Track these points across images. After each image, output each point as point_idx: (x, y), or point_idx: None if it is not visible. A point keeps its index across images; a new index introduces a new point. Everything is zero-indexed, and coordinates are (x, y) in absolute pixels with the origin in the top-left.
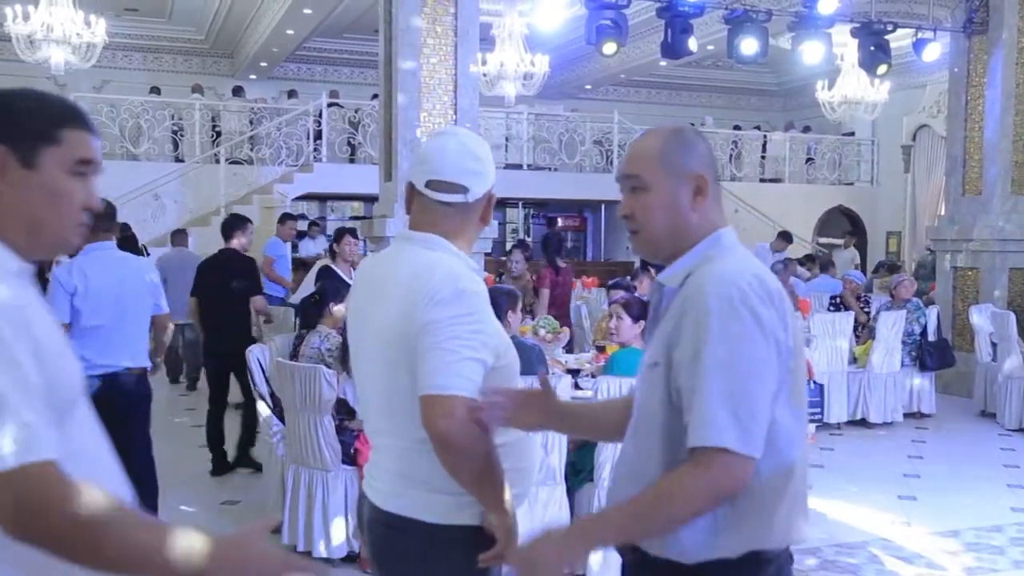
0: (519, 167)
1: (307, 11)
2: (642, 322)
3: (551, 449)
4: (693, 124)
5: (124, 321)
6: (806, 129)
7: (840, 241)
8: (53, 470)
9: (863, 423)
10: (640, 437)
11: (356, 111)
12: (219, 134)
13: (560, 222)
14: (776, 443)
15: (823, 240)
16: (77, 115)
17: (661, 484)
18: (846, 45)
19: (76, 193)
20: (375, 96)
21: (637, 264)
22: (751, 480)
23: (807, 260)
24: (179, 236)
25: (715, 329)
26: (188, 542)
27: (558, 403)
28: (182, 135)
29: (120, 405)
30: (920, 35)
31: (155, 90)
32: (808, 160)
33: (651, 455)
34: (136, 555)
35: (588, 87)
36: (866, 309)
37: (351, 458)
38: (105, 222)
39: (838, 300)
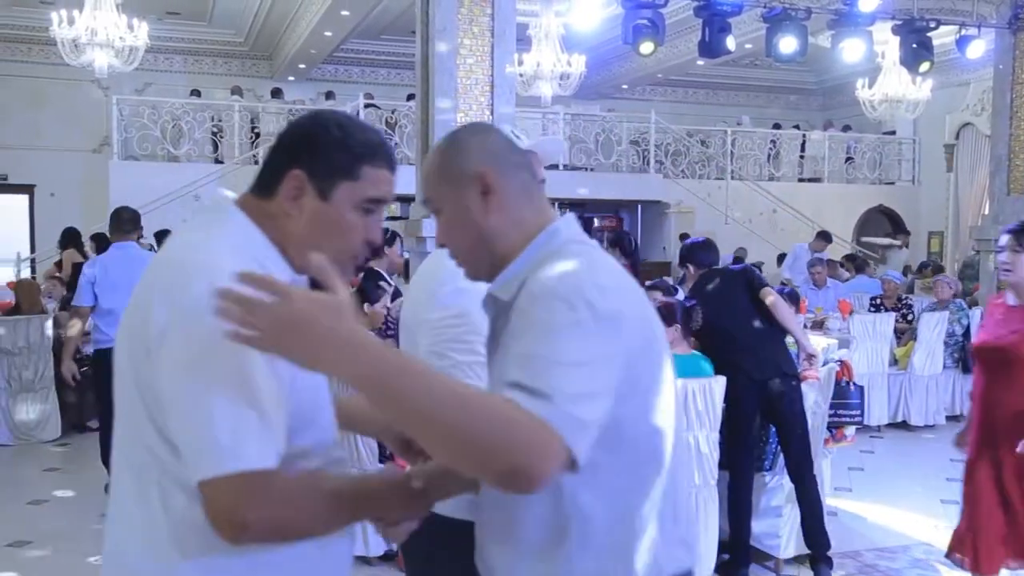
0: (555, 167)
1: (344, 13)
2: (676, 327)
3: None
4: (726, 123)
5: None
6: (846, 128)
7: (898, 242)
8: (262, 479)
9: (904, 425)
10: None
11: (393, 112)
12: (258, 135)
13: (596, 222)
14: (613, 480)
15: (882, 241)
16: (379, 151)
17: (493, 398)
18: (887, 43)
19: (358, 229)
20: (410, 97)
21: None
22: (589, 525)
23: (847, 260)
24: None
25: (537, 321)
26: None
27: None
28: (222, 136)
29: None
30: (964, 32)
31: (195, 93)
32: (848, 159)
33: None
34: (342, 521)
35: (624, 87)
36: (908, 316)
37: (388, 456)
38: (127, 225)
39: (879, 301)
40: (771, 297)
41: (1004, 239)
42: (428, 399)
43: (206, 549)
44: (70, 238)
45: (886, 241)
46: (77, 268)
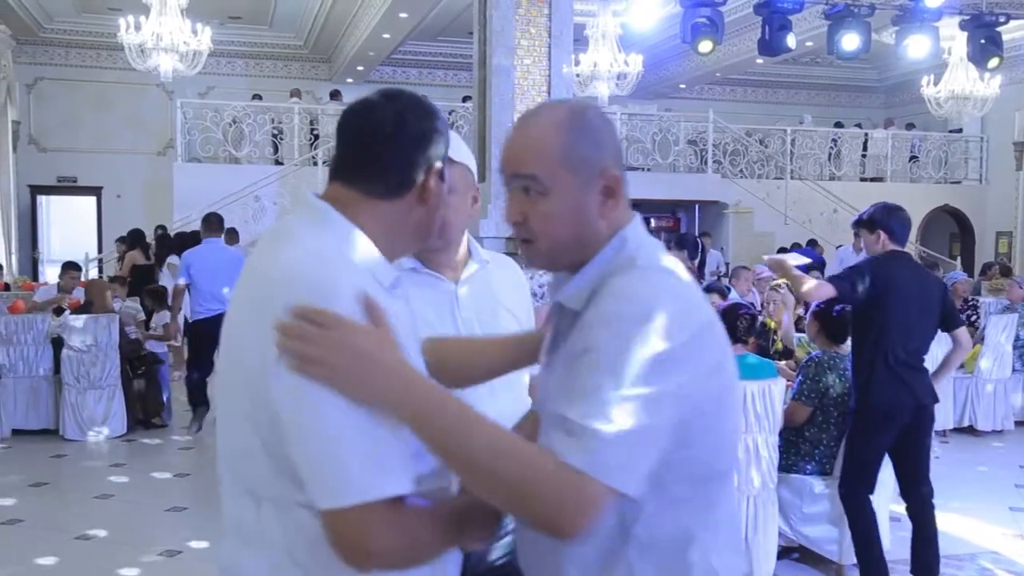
0: None
1: (403, 15)
2: None
3: None
4: (786, 122)
5: (218, 284)
6: (910, 126)
7: None
8: (389, 509)
9: (971, 431)
10: None
11: (450, 113)
12: (317, 137)
13: (653, 222)
14: (677, 493)
15: None
16: None
17: (526, 449)
18: (954, 38)
19: None
20: (466, 98)
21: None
22: (644, 539)
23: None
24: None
25: (597, 344)
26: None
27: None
28: (282, 139)
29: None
30: None
31: (257, 97)
32: (912, 158)
33: None
34: (451, 546)
35: (682, 86)
36: (973, 318)
37: None
38: (215, 226)
39: None
40: (966, 337)
41: None
42: (467, 442)
43: (329, 565)
44: (136, 239)
45: None
46: (137, 269)
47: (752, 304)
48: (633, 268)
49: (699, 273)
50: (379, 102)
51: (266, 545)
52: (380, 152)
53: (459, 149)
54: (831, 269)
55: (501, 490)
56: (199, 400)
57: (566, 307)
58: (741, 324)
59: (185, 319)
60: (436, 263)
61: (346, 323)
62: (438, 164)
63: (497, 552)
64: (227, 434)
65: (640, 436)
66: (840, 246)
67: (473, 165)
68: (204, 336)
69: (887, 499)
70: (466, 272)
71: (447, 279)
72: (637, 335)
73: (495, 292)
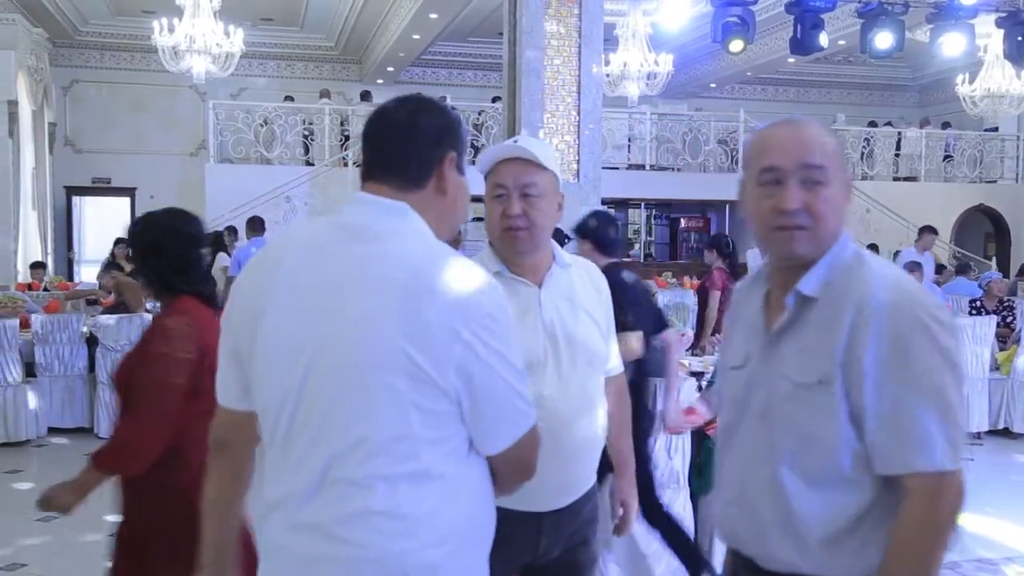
0: (642, 167)
1: (433, 16)
2: None
3: (674, 452)
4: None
5: None
6: (945, 125)
7: None
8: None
9: (1006, 433)
10: (803, 463)
11: (480, 113)
12: (347, 138)
13: (683, 223)
14: None
15: None
16: None
17: (907, 539)
18: (990, 36)
19: None
20: (495, 99)
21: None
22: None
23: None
24: None
25: (916, 345)
26: None
27: None
28: (313, 139)
29: None
30: None
31: (289, 98)
32: (946, 157)
33: (831, 479)
34: None
35: (713, 85)
36: (1009, 319)
37: None
38: (258, 227)
39: (979, 303)
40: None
41: None
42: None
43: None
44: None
45: None
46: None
47: None
48: (872, 263)
49: (733, 272)
50: (393, 106)
51: (409, 524)
52: (400, 148)
53: (548, 158)
54: None
55: (943, 554)
56: None
57: (802, 294)
58: None
59: None
60: (520, 267)
61: None
62: (451, 154)
63: (560, 546)
64: (366, 419)
65: (960, 417)
66: (898, 251)
67: (560, 173)
68: None
69: None
70: (548, 275)
71: (530, 282)
72: (930, 328)
73: (575, 295)
